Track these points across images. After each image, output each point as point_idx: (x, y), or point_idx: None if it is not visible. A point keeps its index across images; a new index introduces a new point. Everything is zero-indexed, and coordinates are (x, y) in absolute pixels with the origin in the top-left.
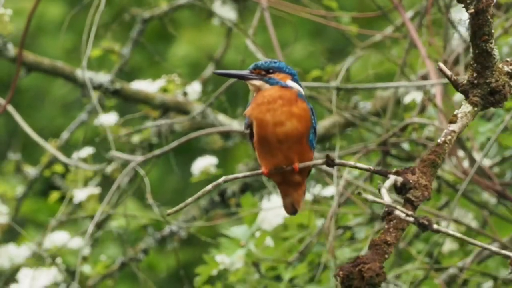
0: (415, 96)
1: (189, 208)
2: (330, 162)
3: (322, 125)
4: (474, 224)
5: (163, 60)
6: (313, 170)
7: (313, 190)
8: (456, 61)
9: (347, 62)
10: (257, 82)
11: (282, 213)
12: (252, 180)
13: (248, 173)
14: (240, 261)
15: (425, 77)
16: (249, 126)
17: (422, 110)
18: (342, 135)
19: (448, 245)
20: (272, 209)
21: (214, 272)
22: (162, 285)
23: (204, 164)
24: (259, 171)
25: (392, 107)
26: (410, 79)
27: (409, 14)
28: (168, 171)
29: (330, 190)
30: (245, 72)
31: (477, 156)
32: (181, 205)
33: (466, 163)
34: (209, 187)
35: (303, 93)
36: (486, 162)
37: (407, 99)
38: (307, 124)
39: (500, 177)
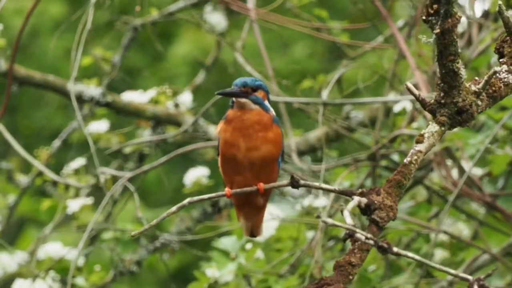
0: (405, 105)
1: (182, 219)
2: (295, 183)
3: (313, 135)
4: (466, 232)
5: (154, 74)
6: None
7: (304, 202)
8: None
9: (335, 75)
10: (243, 100)
11: (274, 225)
12: None
13: (212, 195)
14: (231, 274)
15: (414, 87)
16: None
17: (411, 121)
18: (332, 146)
19: (440, 255)
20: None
21: (205, 286)
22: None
23: (196, 175)
24: (222, 193)
25: (382, 118)
26: (399, 90)
27: (400, 22)
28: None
29: (320, 202)
30: (235, 89)
31: (466, 166)
32: (146, 226)
33: (455, 173)
34: (173, 208)
35: (274, 114)
36: (477, 172)
37: (397, 108)
38: (280, 148)
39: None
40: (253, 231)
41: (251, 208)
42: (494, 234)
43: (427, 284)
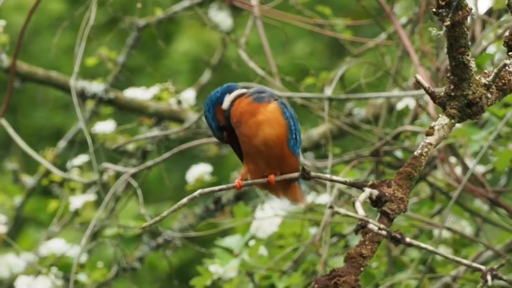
0: (408, 103)
1: (185, 215)
2: (306, 175)
3: (316, 132)
4: (468, 230)
5: (156, 70)
6: None
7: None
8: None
9: (339, 72)
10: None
11: (277, 222)
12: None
13: (223, 186)
14: (234, 271)
15: (418, 85)
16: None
17: (415, 118)
18: (335, 143)
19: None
20: (266, 218)
21: (208, 282)
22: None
23: (198, 171)
24: (233, 185)
25: (385, 115)
26: (403, 87)
27: (403, 20)
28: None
29: (324, 198)
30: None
31: (469, 163)
32: (157, 218)
33: (459, 170)
34: (184, 200)
35: (256, 91)
36: (480, 169)
37: (400, 106)
38: (281, 126)
39: (494, 184)
40: (295, 203)
41: (277, 188)
42: (497, 230)
43: (430, 279)
